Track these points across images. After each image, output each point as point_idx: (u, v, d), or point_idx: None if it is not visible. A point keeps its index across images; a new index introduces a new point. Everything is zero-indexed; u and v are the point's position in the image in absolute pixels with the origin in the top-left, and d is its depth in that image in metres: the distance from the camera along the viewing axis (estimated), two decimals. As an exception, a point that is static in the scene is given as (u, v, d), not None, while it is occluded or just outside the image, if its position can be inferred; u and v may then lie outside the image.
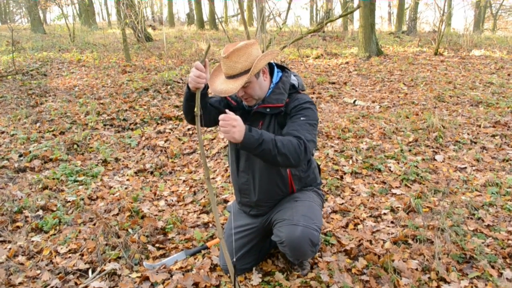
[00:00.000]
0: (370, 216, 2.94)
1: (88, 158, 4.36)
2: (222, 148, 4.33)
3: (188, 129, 5.11)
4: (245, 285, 2.20)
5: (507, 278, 2.17)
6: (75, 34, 13.31)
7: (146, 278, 2.24)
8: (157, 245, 2.65)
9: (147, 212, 3.07)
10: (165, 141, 4.80)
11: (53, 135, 4.96)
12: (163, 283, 2.22)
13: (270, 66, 2.15)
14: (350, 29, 16.68)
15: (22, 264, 2.46)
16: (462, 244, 2.45)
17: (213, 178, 3.77)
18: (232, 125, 1.72)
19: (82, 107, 5.89)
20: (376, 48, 10.29)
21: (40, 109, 5.92)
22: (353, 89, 7.22)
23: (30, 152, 4.31)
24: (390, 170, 3.69)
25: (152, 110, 5.78)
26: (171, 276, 2.27)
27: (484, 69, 8.50)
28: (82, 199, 3.31)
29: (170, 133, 5.08)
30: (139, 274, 2.30)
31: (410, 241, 2.55)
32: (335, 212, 3.00)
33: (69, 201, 3.29)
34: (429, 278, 2.18)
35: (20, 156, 4.28)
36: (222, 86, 1.95)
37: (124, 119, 5.50)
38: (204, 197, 3.37)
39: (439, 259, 2.29)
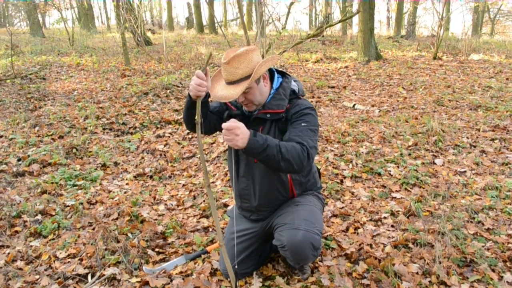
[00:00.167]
0: (370, 220, 2.94)
1: (87, 162, 4.35)
2: (222, 152, 4.33)
3: (188, 133, 5.10)
4: (246, 289, 2.19)
5: (507, 282, 2.17)
6: (74, 38, 13.33)
7: (146, 283, 2.23)
8: (156, 249, 2.64)
9: (147, 216, 3.05)
10: (165, 145, 4.79)
11: (52, 139, 4.94)
12: (163, 287, 2.21)
13: (270, 71, 2.15)
14: (349, 33, 16.74)
15: (21, 269, 2.44)
16: (463, 248, 2.45)
17: (212, 182, 3.76)
18: (235, 133, 1.72)
19: (81, 111, 5.88)
20: (375, 52, 10.34)
21: (39, 113, 5.91)
22: (352, 93, 7.23)
23: (28, 156, 4.30)
24: (390, 174, 3.69)
25: (152, 114, 5.78)
26: (171, 280, 2.26)
27: (483, 73, 8.54)
28: (81, 204, 3.29)
29: (169, 137, 5.08)
30: (138, 279, 2.29)
31: (410, 245, 2.55)
32: (335, 216, 2.99)
33: (68, 206, 3.28)
34: (429, 282, 2.18)
35: (19, 160, 4.26)
36: (222, 92, 1.95)
37: (123, 123, 5.50)
38: (204, 201, 3.36)
39: (440, 262, 2.29)
